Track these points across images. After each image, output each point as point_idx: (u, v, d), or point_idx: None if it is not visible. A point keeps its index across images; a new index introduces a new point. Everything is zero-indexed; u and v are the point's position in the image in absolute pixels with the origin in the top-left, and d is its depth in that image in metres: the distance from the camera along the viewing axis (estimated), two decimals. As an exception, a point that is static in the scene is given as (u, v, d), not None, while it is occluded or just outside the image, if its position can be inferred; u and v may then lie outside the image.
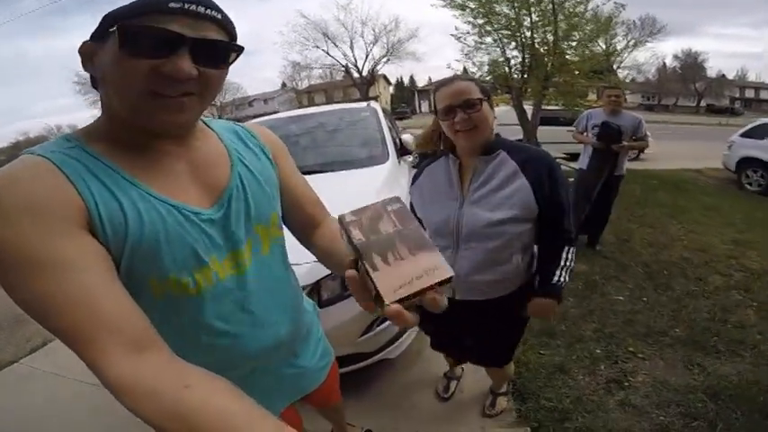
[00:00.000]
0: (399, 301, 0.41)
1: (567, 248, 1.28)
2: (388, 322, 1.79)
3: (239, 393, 0.49)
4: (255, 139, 0.80)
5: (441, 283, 0.42)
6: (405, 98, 52.49)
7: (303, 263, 1.28)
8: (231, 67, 0.63)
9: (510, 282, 1.31)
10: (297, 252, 0.90)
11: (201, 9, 0.55)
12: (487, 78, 7.55)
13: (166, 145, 0.64)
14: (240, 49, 0.62)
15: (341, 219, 0.49)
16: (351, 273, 0.46)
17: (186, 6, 0.53)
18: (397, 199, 0.49)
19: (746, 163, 6.62)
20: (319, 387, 0.99)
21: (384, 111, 3.85)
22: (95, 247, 0.53)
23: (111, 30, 0.53)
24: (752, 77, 52.24)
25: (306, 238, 0.85)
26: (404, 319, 0.42)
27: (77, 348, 0.49)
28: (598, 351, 2.22)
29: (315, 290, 1.63)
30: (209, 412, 0.45)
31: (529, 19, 6.93)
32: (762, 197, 6.10)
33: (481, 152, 1.24)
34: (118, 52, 0.53)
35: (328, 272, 1.54)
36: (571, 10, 6.75)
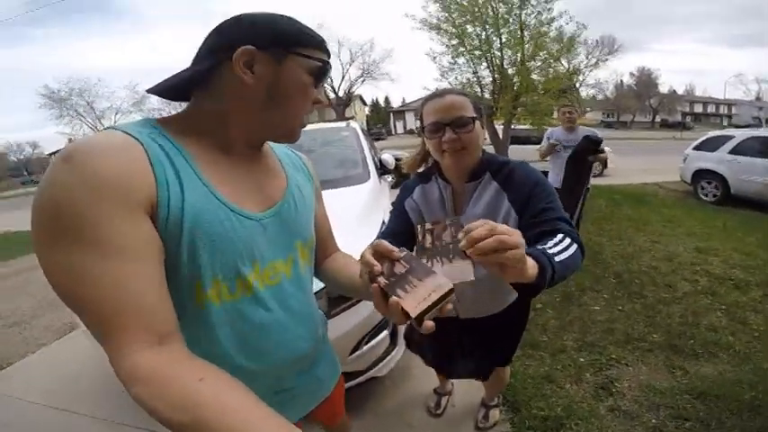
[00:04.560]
0: (421, 313, 0.57)
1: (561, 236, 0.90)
2: (375, 340, 1.82)
3: (252, 394, 0.50)
4: (306, 168, 0.90)
5: (446, 295, 0.58)
6: (380, 119, 53.06)
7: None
8: None
9: (506, 299, 1.34)
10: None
11: (328, 48, 0.70)
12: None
13: (244, 153, 0.70)
14: None
15: (370, 276, 0.65)
16: (375, 286, 0.62)
17: (327, 47, 0.69)
18: (404, 249, 0.66)
19: (700, 175, 6.95)
20: (328, 400, 0.99)
21: (363, 130, 3.87)
22: (153, 236, 0.54)
23: (297, 54, 0.64)
24: (699, 92, 56.27)
25: (317, 265, 0.93)
26: (427, 327, 0.58)
27: (101, 330, 0.49)
28: (582, 360, 2.28)
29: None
30: (220, 407, 0.45)
31: (498, 39, 7.21)
32: (716, 207, 6.43)
33: (468, 177, 1.14)
34: (306, 79, 0.66)
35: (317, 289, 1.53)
36: (537, 29, 7.07)
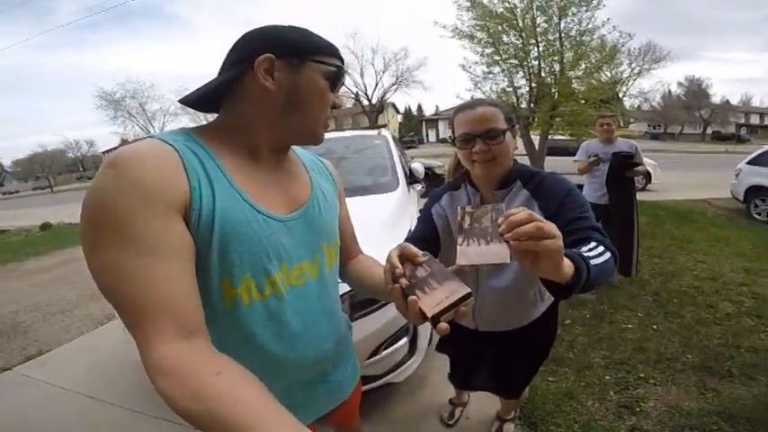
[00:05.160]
0: (437, 314, 0.60)
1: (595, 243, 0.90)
2: (394, 347, 1.84)
3: (266, 391, 0.51)
4: (330, 174, 0.94)
5: (463, 299, 0.61)
6: (412, 127, 53.15)
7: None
8: None
9: (529, 314, 1.30)
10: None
11: (341, 55, 0.76)
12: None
13: (270, 158, 0.75)
14: None
15: (394, 277, 0.69)
16: (396, 286, 0.65)
17: (340, 54, 0.74)
18: (426, 253, 0.71)
19: (754, 191, 6.48)
20: (345, 403, 0.99)
21: (394, 139, 3.90)
22: (185, 236, 0.58)
23: (311, 60, 0.69)
24: (755, 103, 51.67)
25: (340, 267, 0.96)
26: (441, 329, 0.60)
27: (133, 322, 0.53)
28: (607, 378, 2.21)
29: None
30: (233, 401, 0.46)
31: (536, 48, 7.01)
32: (771, 227, 5.92)
33: (498, 186, 1.15)
34: (323, 83, 0.71)
35: (343, 292, 1.56)
36: (577, 39, 6.82)
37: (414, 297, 0.62)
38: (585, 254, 0.81)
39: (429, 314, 0.60)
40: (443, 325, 0.60)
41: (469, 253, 0.66)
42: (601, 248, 0.87)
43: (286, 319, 0.73)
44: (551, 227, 0.60)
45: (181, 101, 0.72)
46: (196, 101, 0.72)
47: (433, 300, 0.62)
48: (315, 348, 0.79)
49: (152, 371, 0.50)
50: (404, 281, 0.66)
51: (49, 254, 7.18)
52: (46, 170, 51.06)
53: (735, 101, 48.35)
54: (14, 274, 6.03)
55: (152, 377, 0.50)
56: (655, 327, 2.78)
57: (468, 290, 0.62)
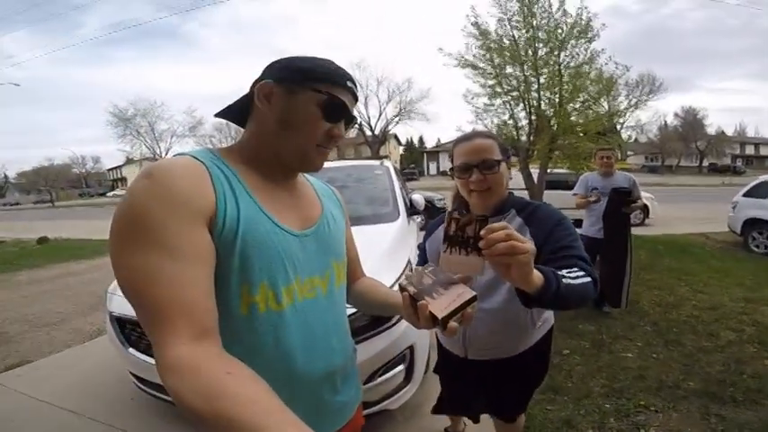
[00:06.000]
0: (447, 316, 0.66)
1: (576, 268, 0.96)
2: (390, 373, 1.84)
3: (275, 394, 0.51)
4: (338, 200, 1.01)
5: (469, 301, 0.68)
6: (414, 159, 53.81)
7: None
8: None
9: (522, 341, 1.28)
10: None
11: (356, 90, 0.78)
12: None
13: (283, 178, 0.80)
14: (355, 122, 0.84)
15: (401, 285, 0.76)
16: (405, 294, 0.73)
17: (352, 87, 0.77)
18: (431, 264, 0.78)
19: (751, 224, 6.44)
20: (349, 426, 0.96)
21: (396, 170, 3.95)
22: (208, 244, 0.62)
23: (309, 89, 0.72)
24: (750, 132, 52.41)
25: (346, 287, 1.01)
26: (451, 330, 0.67)
27: (154, 321, 0.55)
28: (607, 406, 2.19)
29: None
30: (240, 401, 0.47)
31: (537, 81, 7.06)
32: (770, 259, 5.84)
33: (493, 213, 1.20)
34: (314, 111, 0.72)
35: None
36: (576, 70, 6.85)
37: (424, 302, 0.68)
38: (561, 273, 0.87)
39: (440, 316, 0.66)
40: (453, 325, 0.67)
41: (452, 261, 0.73)
42: (580, 273, 0.93)
43: (299, 330, 0.75)
44: (524, 246, 0.68)
45: (216, 114, 0.82)
46: (225, 114, 0.81)
47: (442, 303, 0.68)
48: (326, 361, 0.81)
49: (165, 369, 0.52)
50: (412, 288, 0.72)
51: (43, 267, 7.14)
52: (50, 183, 50.96)
53: (730, 131, 49.14)
54: (5, 284, 5.96)
55: (164, 375, 0.52)
56: (655, 355, 2.78)
57: (474, 293, 0.68)
